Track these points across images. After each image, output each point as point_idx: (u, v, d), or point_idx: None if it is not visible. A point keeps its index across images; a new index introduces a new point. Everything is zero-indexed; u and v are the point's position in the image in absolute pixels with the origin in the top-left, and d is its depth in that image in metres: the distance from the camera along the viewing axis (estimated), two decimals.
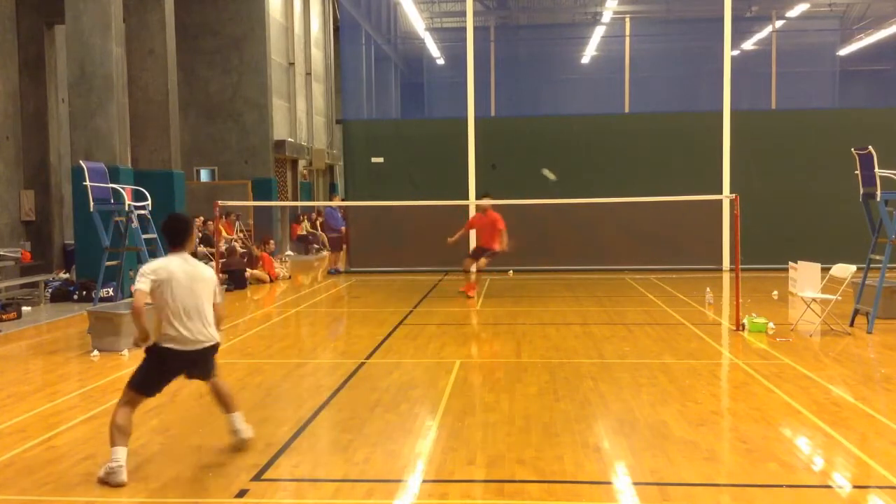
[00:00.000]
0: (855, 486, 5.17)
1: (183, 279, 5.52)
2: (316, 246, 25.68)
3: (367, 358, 9.22)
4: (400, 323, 11.78)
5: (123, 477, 5.21)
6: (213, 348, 5.73)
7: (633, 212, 17.54)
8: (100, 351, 9.49)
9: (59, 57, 17.45)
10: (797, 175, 18.68)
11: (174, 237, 5.69)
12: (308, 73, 28.83)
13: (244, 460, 5.65)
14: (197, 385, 7.97)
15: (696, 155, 18.92)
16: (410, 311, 12.96)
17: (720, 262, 18.46)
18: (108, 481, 5.22)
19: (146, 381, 5.60)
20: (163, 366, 5.59)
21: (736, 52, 21.82)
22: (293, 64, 26.78)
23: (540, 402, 7.13)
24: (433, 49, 28.02)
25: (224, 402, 5.90)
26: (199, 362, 5.69)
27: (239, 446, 5.82)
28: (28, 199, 16.96)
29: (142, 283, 5.43)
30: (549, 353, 9.35)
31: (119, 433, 5.33)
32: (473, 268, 14.89)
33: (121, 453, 5.27)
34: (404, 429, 6.44)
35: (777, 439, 6.06)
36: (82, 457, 5.80)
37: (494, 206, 14.89)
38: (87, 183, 11.20)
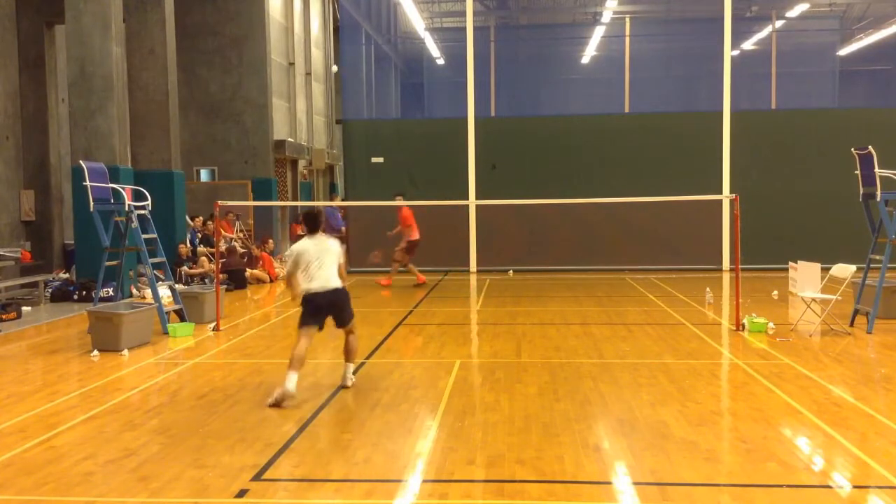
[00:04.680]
0: (855, 486, 5.17)
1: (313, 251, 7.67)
2: None
3: (367, 358, 9.22)
4: (400, 323, 11.78)
5: (290, 389, 7.18)
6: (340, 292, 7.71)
7: (633, 212, 17.55)
8: (100, 351, 9.50)
9: (59, 57, 17.44)
10: (797, 175, 18.69)
11: (311, 225, 7.85)
12: (308, 73, 28.82)
13: (244, 460, 5.65)
14: (197, 385, 8.00)
15: (696, 155, 18.92)
16: (410, 311, 12.96)
17: (720, 262, 18.48)
18: (276, 397, 7.18)
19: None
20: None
21: (736, 52, 21.82)
22: (293, 64, 26.76)
23: (540, 402, 7.14)
24: (433, 49, 28.01)
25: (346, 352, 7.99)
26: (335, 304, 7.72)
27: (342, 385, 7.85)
28: (28, 199, 16.96)
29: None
30: (549, 353, 9.35)
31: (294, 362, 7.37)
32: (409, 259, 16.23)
33: (291, 377, 7.24)
34: (404, 429, 6.44)
35: (777, 439, 6.06)
36: (82, 457, 5.80)
37: (494, 206, 15.11)
38: (87, 183, 11.17)
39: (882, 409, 6.79)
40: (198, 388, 7.87)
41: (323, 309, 7.69)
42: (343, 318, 7.83)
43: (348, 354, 7.96)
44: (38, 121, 17.29)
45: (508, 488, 5.12)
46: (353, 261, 19.58)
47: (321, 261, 7.65)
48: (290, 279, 7.83)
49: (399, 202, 15.73)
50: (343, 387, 7.79)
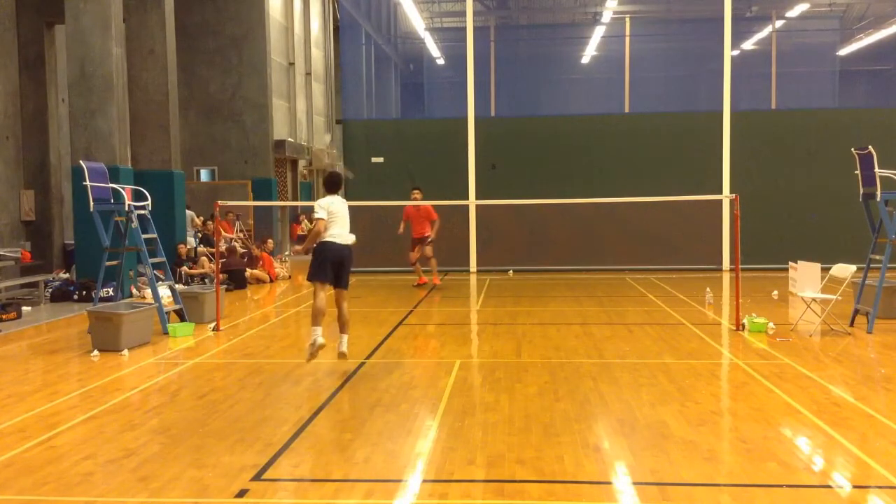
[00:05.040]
0: (855, 486, 5.17)
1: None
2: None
3: (367, 358, 9.22)
4: (400, 323, 11.78)
5: (320, 340, 8.25)
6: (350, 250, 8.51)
7: (633, 212, 17.57)
8: (100, 351, 9.49)
9: (59, 57, 17.44)
10: (797, 175, 18.69)
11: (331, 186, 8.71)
12: (308, 73, 28.83)
13: (244, 460, 5.65)
14: (197, 385, 8.00)
15: (696, 155, 18.92)
16: (410, 311, 12.96)
17: (720, 262, 18.47)
18: (312, 351, 8.31)
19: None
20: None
21: (736, 52, 21.80)
22: (293, 64, 26.79)
23: (540, 402, 7.14)
24: (433, 49, 28.02)
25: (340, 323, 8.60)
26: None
27: (339, 358, 8.54)
28: (28, 199, 16.96)
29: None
30: (549, 353, 9.35)
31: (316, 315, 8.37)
32: (418, 257, 16.03)
33: (317, 330, 8.28)
34: (404, 429, 6.44)
35: (777, 439, 6.06)
36: (82, 457, 5.80)
37: (494, 206, 15.08)
38: (87, 183, 11.17)
39: (882, 409, 6.79)
40: (198, 388, 7.87)
41: (328, 261, 8.36)
42: (344, 277, 8.51)
43: (343, 326, 8.56)
44: (38, 121, 17.29)
45: (508, 488, 5.12)
46: (354, 261, 19.57)
47: (344, 220, 8.55)
48: (319, 227, 8.36)
49: (419, 199, 15.41)
50: (341, 353, 8.49)
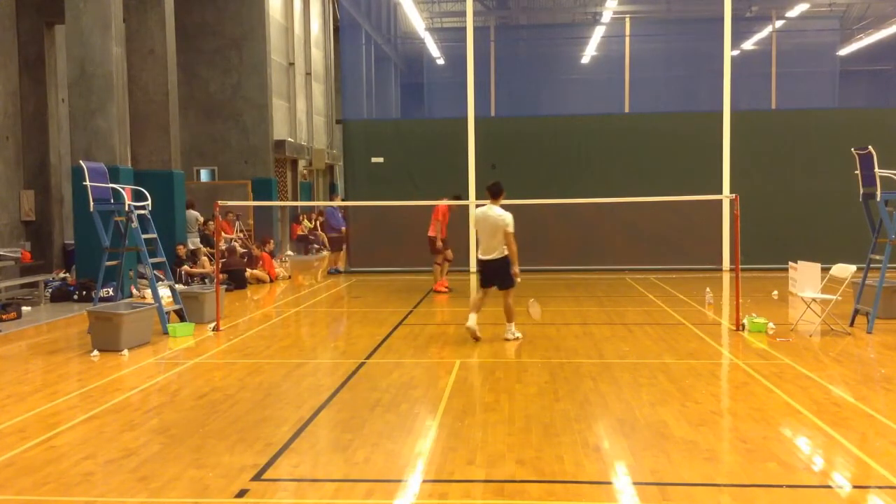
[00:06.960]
0: (855, 486, 5.17)
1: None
2: (316, 246, 25.70)
3: (367, 358, 9.22)
4: (400, 323, 11.78)
5: (469, 324, 9.84)
6: (496, 262, 9.83)
7: (633, 212, 17.55)
8: (100, 351, 9.50)
9: (59, 57, 17.43)
10: (797, 175, 18.68)
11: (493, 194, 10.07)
12: (308, 73, 28.84)
13: (244, 460, 5.65)
14: (197, 385, 8.00)
15: (696, 155, 18.91)
16: (410, 311, 12.95)
17: (720, 262, 18.47)
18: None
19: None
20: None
21: (736, 52, 21.81)
22: (293, 64, 26.78)
23: (540, 402, 7.14)
24: (433, 49, 28.02)
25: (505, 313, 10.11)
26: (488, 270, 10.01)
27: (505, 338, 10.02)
28: (28, 199, 16.95)
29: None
30: (549, 353, 9.35)
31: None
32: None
33: (471, 317, 9.91)
34: (404, 429, 6.44)
35: (777, 439, 6.06)
36: (82, 457, 5.80)
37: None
38: (87, 183, 11.16)
39: (882, 409, 6.79)
40: (198, 388, 7.87)
41: (482, 273, 10.11)
42: (496, 283, 9.96)
43: (506, 315, 10.03)
44: (38, 121, 17.28)
45: (508, 488, 5.12)
46: (354, 261, 19.60)
47: (484, 231, 9.81)
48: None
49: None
50: (505, 339, 9.98)
